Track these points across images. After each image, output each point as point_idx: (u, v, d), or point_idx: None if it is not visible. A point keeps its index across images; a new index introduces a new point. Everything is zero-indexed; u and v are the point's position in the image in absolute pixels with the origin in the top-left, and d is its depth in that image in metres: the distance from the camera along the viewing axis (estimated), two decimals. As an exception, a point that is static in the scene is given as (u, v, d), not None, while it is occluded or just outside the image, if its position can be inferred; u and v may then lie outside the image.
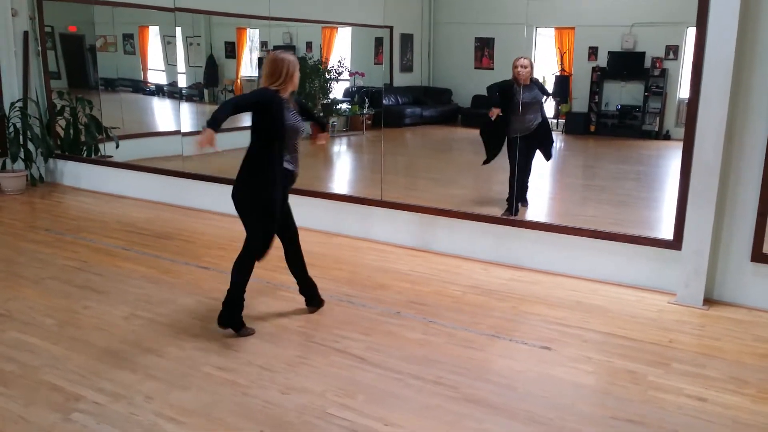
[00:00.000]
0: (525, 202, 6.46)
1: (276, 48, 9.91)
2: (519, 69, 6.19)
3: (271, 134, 3.85)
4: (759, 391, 3.49)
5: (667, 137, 8.82)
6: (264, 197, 3.89)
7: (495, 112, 6.29)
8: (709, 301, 4.66)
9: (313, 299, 4.48)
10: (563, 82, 9.35)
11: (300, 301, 4.63)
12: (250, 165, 3.92)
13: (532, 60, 6.59)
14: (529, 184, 6.47)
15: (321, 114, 10.11)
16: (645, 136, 8.87)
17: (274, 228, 4.00)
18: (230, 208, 6.97)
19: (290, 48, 10.41)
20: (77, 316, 4.37)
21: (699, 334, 4.19)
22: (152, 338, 4.03)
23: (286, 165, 3.96)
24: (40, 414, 3.19)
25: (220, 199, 6.99)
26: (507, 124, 6.35)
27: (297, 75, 3.91)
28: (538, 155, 6.59)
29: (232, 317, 4.04)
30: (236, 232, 6.24)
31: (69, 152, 8.44)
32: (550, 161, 6.65)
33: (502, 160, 6.59)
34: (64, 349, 3.88)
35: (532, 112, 6.39)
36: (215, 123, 3.63)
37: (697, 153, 4.50)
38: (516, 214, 6.10)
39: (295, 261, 4.36)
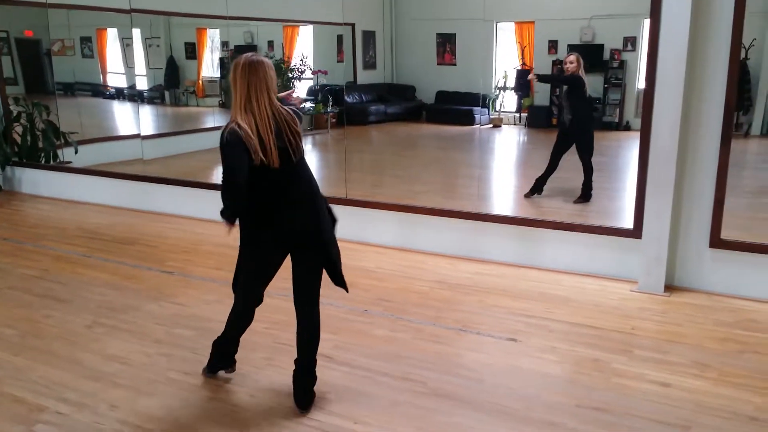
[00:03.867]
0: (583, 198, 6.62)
1: (238, 48, 9.84)
2: (567, 65, 6.59)
3: None
4: (720, 374, 3.56)
5: (627, 128, 8.96)
6: None
7: None
8: (670, 287, 4.75)
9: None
10: (524, 76, 9.44)
11: (268, 303, 4.61)
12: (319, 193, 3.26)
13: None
14: (587, 179, 6.64)
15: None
16: (606, 128, 9.00)
17: None
18: (193, 210, 6.91)
19: (252, 47, 10.34)
20: (39, 325, 4.28)
21: (661, 320, 4.27)
22: (116, 346, 3.96)
23: None
24: (3, 427, 3.12)
25: (182, 202, 6.93)
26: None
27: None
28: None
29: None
30: (199, 235, 6.19)
31: (27, 159, 8.26)
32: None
33: (469, 155, 6.67)
34: (25, 359, 3.80)
35: (565, 107, 6.81)
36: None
37: (654, 141, 4.57)
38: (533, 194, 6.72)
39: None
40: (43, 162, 8.28)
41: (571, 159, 7.99)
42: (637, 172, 4.74)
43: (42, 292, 4.87)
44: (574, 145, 6.65)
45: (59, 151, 8.34)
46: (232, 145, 2.88)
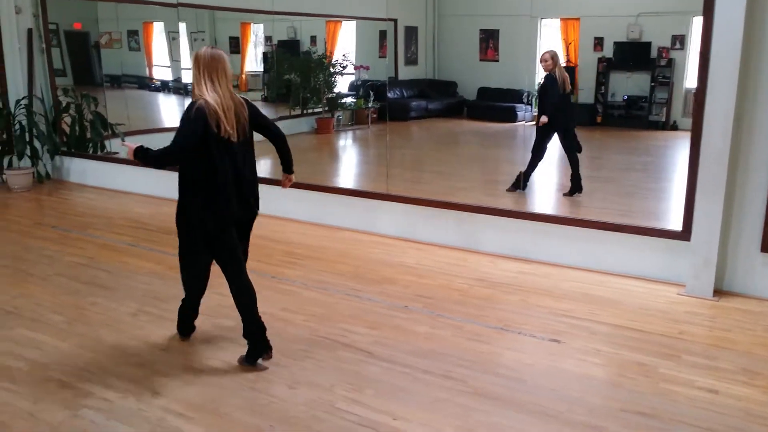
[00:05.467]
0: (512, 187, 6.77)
1: (281, 43, 9.92)
2: (542, 63, 6.60)
3: None
4: (770, 382, 3.46)
5: (674, 128, 8.76)
6: None
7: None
8: (719, 292, 4.62)
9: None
10: (569, 74, 9.30)
11: (307, 295, 4.63)
12: None
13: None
14: (527, 172, 6.72)
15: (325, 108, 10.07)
16: (652, 127, 8.82)
17: None
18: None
19: (294, 42, 10.41)
20: (85, 312, 4.37)
21: (709, 325, 4.16)
22: (160, 334, 4.02)
23: None
24: (49, 410, 3.19)
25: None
26: None
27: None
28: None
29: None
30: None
31: (75, 149, 8.44)
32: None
33: (511, 152, 6.63)
34: (72, 345, 3.88)
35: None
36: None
37: (705, 143, 4.45)
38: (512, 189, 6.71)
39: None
40: (90, 152, 8.45)
41: (613, 158, 7.85)
42: (687, 173, 4.62)
43: (88, 280, 4.96)
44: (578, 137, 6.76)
45: (106, 142, 8.49)
46: (193, 120, 3.30)
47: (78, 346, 3.86)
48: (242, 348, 3.78)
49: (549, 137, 6.74)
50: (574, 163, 6.61)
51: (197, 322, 4.07)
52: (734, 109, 4.32)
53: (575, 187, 6.61)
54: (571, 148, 6.66)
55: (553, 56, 6.54)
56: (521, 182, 6.67)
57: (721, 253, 4.58)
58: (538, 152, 6.77)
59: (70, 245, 5.81)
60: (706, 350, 3.82)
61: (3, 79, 8.08)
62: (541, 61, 6.60)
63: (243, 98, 3.54)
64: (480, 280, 4.94)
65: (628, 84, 8.90)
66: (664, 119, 8.87)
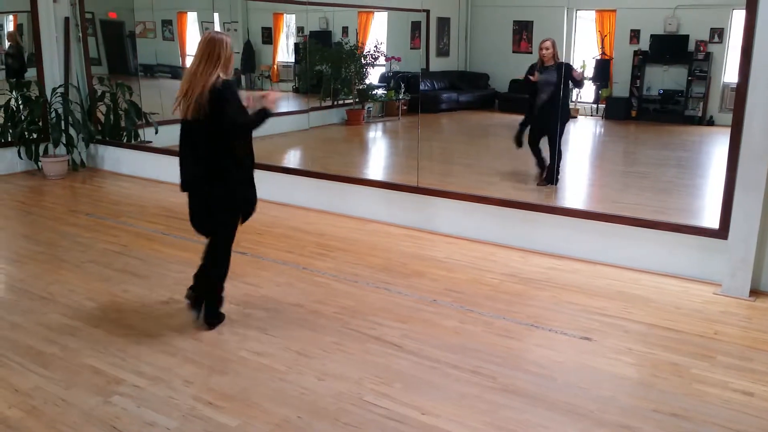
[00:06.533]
0: (544, 181, 6.68)
1: (312, 34, 9.92)
2: (543, 51, 6.47)
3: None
4: (809, 386, 3.38)
5: (710, 123, 8.60)
6: None
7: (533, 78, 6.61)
8: (756, 292, 4.52)
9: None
10: (604, 66, 9.16)
11: (337, 287, 4.64)
12: None
13: (560, 42, 6.69)
14: (551, 165, 6.55)
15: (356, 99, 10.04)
16: (688, 122, 8.67)
17: None
18: (268, 193, 7.01)
19: (326, 33, 10.41)
20: (117, 299, 4.43)
21: (746, 326, 4.07)
22: (191, 322, 4.05)
23: None
24: (81, 396, 3.23)
25: (258, 185, 7.03)
26: (530, 101, 6.79)
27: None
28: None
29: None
30: (273, 218, 6.28)
31: (109, 137, 8.54)
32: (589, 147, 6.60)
33: (543, 146, 6.54)
34: (104, 332, 3.93)
35: (544, 92, 6.57)
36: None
37: (745, 138, 4.35)
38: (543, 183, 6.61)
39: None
40: (124, 141, 8.55)
41: (647, 153, 7.72)
42: (726, 169, 4.51)
43: (121, 267, 5.03)
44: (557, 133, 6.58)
45: (140, 131, 8.59)
46: (236, 90, 3.73)
47: (110, 333, 3.91)
48: (270, 337, 3.82)
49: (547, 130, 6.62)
50: (558, 155, 6.49)
51: (226, 312, 4.10)
52: (777, 104, 4.21)
53: (549, 177, 6.54)
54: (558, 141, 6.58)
55: (555, 44, 6.45)
56: (553, 176, 6.58)
57: (759, 252, 4.48)
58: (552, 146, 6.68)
59: (103, 233, 5.89)
60: (741, 351, 3.73)
61: (40, 67, 8.21)
62: (541, 50, 6.45)
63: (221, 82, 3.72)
64: (510, 275, 4.90)
65: (664, 78, 8.74)
66: (700, 114, 8.71)
